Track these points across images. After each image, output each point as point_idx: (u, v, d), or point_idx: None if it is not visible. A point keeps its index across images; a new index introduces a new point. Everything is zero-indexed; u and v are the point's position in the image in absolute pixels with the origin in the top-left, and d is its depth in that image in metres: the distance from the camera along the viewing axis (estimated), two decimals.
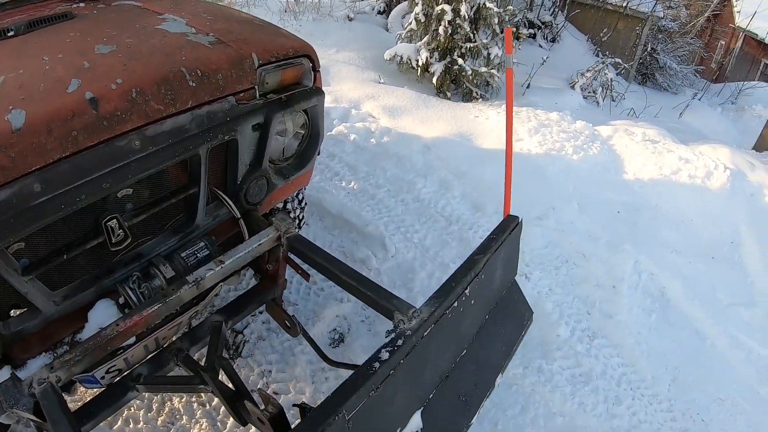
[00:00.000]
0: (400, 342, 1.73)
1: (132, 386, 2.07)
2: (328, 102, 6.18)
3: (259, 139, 2.29)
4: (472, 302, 2.08)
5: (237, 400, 1.88)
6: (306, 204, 3.51)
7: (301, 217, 3.51)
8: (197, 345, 2.25)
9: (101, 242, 1.94)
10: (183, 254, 2.13)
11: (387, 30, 8.57)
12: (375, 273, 3.84)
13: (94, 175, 1.73)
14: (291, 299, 3.64)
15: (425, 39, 6.58)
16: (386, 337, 1.82)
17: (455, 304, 1.95)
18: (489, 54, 6.64)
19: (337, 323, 3.55)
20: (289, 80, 2.39)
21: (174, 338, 2.25)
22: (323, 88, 2.58)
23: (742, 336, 3.99)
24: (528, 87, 7.29)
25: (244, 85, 2.16)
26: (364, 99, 6.29)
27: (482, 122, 5.90)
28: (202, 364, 2.11)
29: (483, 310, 2.30)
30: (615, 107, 8.01)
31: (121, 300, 2.05)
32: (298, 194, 3.33)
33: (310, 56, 2.46)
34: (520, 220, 2.35)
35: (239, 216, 2.33)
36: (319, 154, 3.25)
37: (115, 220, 1.93)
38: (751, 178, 5.53)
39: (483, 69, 6.44)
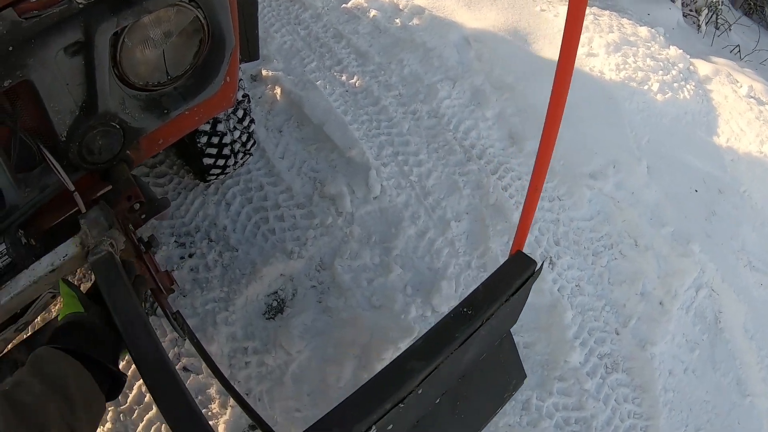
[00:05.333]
0: None
1: None
2: None
3: (86, 67, 1.46)
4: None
5: None
6: (254, 126, 2.74)
7: (249, 146, 2.79)
8: None
9: None
10: None
11: None
12: (346, 220, 3.10)
13: None
14: (232, 241, 2.99)
15: None
16: None
17: None
18: None
19: (281, 284, 2.92)
20: None
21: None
22: None
23: None
24: None
25: None
26: None
27: (549, 20, 4.83)
28: None
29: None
30: (718, 38, 6.65)
31: None
32: (241, 114, 2.56)
33: None
34: (539, 265, 1.59)
35: (73, 189, 1.57)
36: (257, 59, 2.44)
37: None
38: None
39: None
